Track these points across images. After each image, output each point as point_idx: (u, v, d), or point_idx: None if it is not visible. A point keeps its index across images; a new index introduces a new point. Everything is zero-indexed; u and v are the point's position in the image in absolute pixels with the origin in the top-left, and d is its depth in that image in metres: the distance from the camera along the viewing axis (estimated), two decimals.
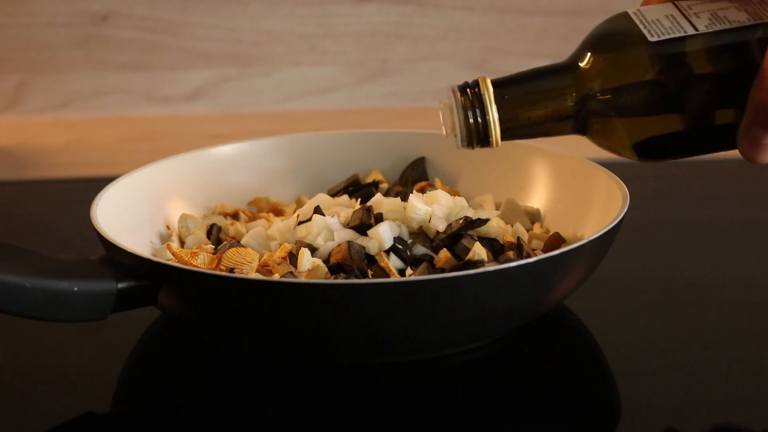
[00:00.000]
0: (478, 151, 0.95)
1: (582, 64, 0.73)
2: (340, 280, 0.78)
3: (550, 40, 1.35)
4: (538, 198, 0.92)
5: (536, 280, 0.76)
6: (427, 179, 0.97)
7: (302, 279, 0.79)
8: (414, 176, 0.97)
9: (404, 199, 0.85)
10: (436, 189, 0.89)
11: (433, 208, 0.84)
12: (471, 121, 0.74)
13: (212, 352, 0.81)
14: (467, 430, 0.72)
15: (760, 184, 1.13)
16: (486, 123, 0.74)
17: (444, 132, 0.77)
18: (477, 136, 0.74)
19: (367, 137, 0.98)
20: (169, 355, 0.83)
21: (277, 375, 0.78)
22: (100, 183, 0.88)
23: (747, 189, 1.12)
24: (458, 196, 0.89)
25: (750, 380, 0.78)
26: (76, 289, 0.74)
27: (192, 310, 0.77)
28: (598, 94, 0.73)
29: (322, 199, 0.89)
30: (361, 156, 0.98)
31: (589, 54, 0.74)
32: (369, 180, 0.96)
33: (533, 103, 0.74)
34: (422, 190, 0.90)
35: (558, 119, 0.74)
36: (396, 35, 1.35)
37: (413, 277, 0.76)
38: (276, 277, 0.79)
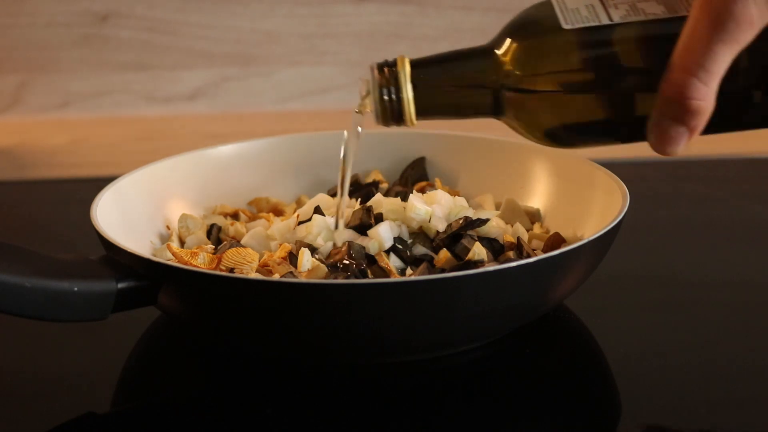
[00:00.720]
0: (479, 151, 0.95)
1: (498, 49, 0.73)
2: (340, 280, 0.78)
3: None
4: (538, 198, 0.92)
5: (536, 280, 0.76)
6: (427, 179, 0.96)
7: (302, 279, 0.79)
8: (414, 176, 0.96)
9: (404, 199, 0.85)
10: (436, 189, 0.89)
11: (433, 208, 0.84)
12: (386, 98, 0.74)
13: (212, 352, 0.81)
14: (467, 430, 0.72)
15: (760, 184, 1.13)
16: (400, 101, 0.73)
17: (356, 109, 0.76)
18: (392, 114, 0.74)
19: (367, 137, 0.98)
20: (169, 355, 0.83)
21: (277, 375, 0.78)
22: (100, 183, 0.87)
23: (747, 189, 1.12)
24: (458, 196, 0.89)
25: (750, 380, 0.78)
26: (76, 289, 0.74)
27: (192, 310, 0.77)
28: (512, 79, 0.73)
29: (322, 199, 0.89)
30: (361, 156, 0.98)
31: (506, 39, 0.73)
32: (369, 180, 0.96)
33: (449, 85, 0.74)
34: (422, 190, 0.90)
35: (472, 101, 0.74)
36: (396, 35, 1.35)
37: (413, 277, 0.76)
38: (276, 277, 0.79)
